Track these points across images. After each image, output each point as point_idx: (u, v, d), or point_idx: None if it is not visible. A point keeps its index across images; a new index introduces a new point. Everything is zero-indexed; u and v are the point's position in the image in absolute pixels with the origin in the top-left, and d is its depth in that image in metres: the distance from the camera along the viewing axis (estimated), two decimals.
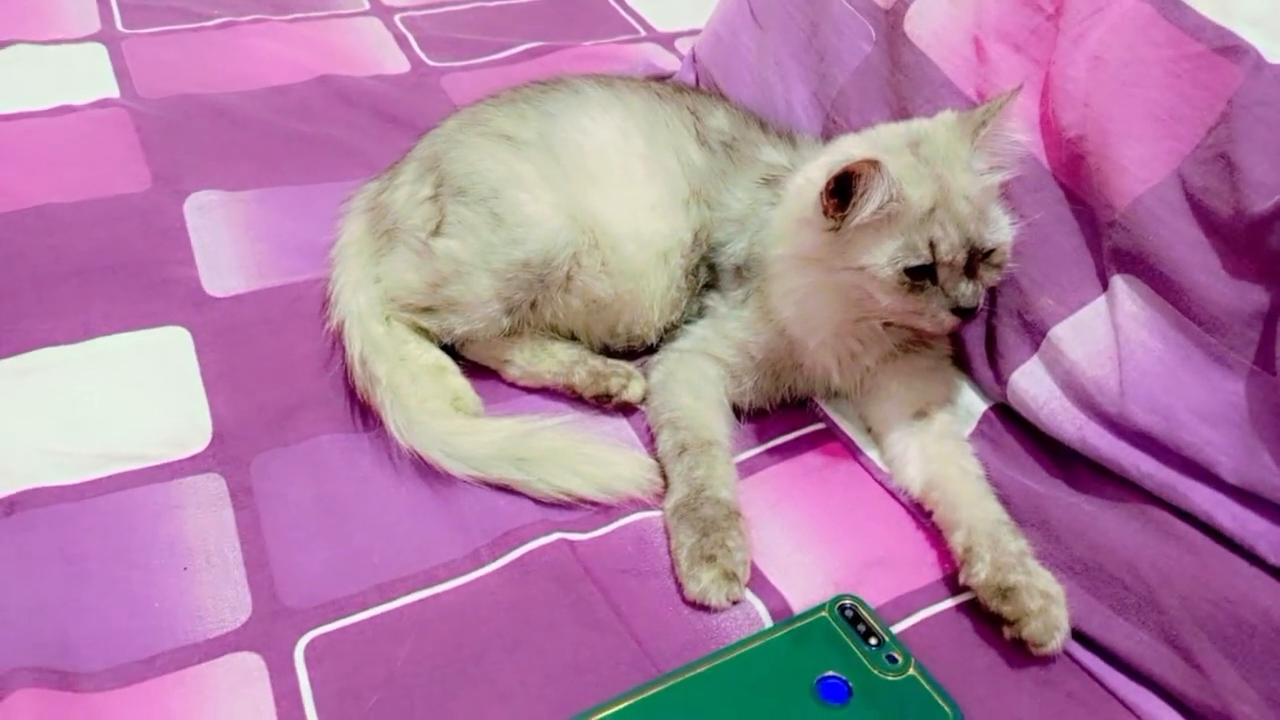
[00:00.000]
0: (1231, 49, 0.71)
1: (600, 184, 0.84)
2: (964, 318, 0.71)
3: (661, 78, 1.16)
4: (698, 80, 1.14)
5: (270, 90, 1.16)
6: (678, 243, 0.84)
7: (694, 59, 1.17)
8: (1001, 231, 0.72)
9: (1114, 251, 0.74)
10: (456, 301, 0.83)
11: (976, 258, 0.70)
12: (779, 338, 0.79)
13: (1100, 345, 0.73)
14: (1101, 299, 0.75)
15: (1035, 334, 0.77)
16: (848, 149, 0.75)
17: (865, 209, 0.67)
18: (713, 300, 0.84)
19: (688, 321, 0.86)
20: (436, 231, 0.84)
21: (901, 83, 0.90)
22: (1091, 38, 0.79)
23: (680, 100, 0.90)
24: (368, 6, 1.36)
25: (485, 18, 1.36)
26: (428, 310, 0.84)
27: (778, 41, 1.03)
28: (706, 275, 0.85)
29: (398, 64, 1.24)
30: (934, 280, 0.69)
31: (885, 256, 0.69)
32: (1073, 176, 0.78)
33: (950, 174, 0.70)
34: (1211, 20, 0.72)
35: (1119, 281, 0.73)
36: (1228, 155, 0.68)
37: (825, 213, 0.69)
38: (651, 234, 0.84)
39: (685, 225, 0.84)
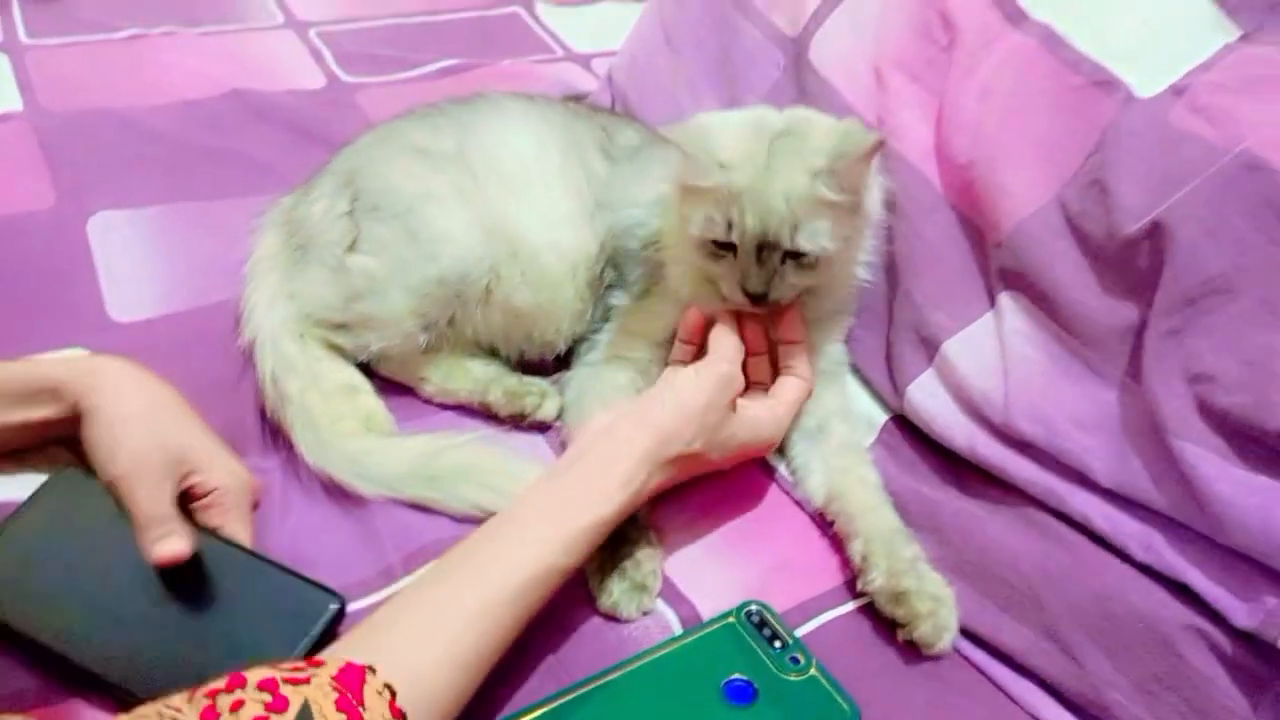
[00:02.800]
0: (1106, 83, 0.76)
1: (518, 194, 0.85)
2: (755, 301, 0.74)
3: (578, 97, 1.19)
4: (613, 102, 1.17)
5: (181, 104, 1.13)
6: (585, 255, 0.86)
7: (610, 80, 1.19)
8: (814, 242, 0.73)
9: (1001, 270, 0.79)
10: (372, 318, 0.83)
11: (773, 251, 0.73)
12: (679, 313, 0.81)
13: (988, 359, 0.78)
14: (990, 315, 0.80)
15: (929, 348, 0.81)
16: (712, 121, 0.78)
17: (691, 173, 0.73)
18: (615, 299, 0.86)
19: (595, 331, 0.87)
20: (352, 248, 0.84)
21: (809, 106, 0.94)
22: (982, 70, 0.83)
23: (594, 119, 0.93)
24: (282, 20, 1.34)
25: (403, 34, 1.36)
26: (342, 327, 0.84)
27: (691, 65, 1.06)
28: (610, 276, 0.86)
29: (313, 79, 1.23)
30: (734, 256, 0.74)
31: (695, 221, 0.74)
32: (964, 200, 0.83)
33: (784, 170, 0.72)
34: (1089, 56, 0.78)
35: (1005, 299, 0.78)
36: (1101, 181, 0.73)
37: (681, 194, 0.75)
38: (567, 245, 0.86)
39: (592, 238, 0.86)
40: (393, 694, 0.52)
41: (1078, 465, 0.70)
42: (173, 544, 0.63)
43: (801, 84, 0.95)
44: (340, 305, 0.84)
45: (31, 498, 0.68)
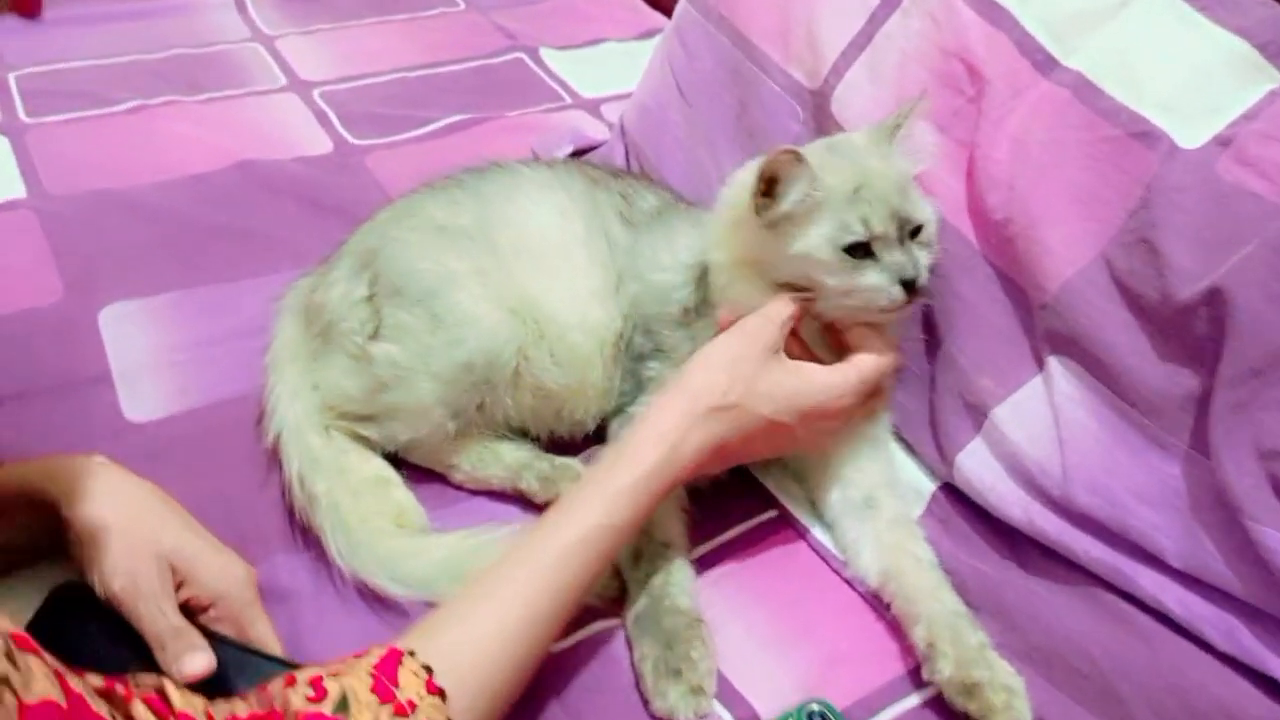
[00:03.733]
0: (1145, 134, 0.73)
1: (543, 269, 0.83)
2: (911, 292, 0.71)
3: (591, 149, 1.17)
4: (627, 154, 1.14)
5: (188, 180, 1.11)
6: (611, 331, 0.83)
7: (622, 130, 1.17)
8: (926, 210, 0.74)
9: (1047, 333, 0.76)
10: (398, 409, 0.81)
11: (906, 230, 0.72)
12: None
13: (1040, 427, 0.75)
14: (1038, 379, 0.77)
15: (977, 415, 0.79)
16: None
17: (789, 196, 0.70)
18: (654, 369, 0.82)
19: (628, 403, 0.84)
20: (374, 335, 0.82)
21: None
22: (1012, 120, 0.80)
23: (613, 186, 0.90)
24: (285, 82, 1.32)
25: (406, 89, 1.34)
26: (368, 419, 0.82)
27: (707, 119, 1.04)
28: (641, 345, 0.83)
29: (320, 144, 1.21)
30: (873, 257, 0.71)
31: (822, 238, 0.71)
32: (1003, 257, 0.80)
33: (867, 161, 0.74)
34: (1125, 105, 0.75)
35: (1054, 362, 0.75)
36: (1150, 240, 0.70)
37: (757, 211, 0.72)
38: (594, 322, 0.83)
39: (617, 313, 0.84)
40: (429, 672, 0.54)
41: (1145, 544, 0.67)
42: (196, 661, 0.61)
43: (823, 135, 0.93)
44: (364, 397, 0.81)
45: (33, 621, 0.64)
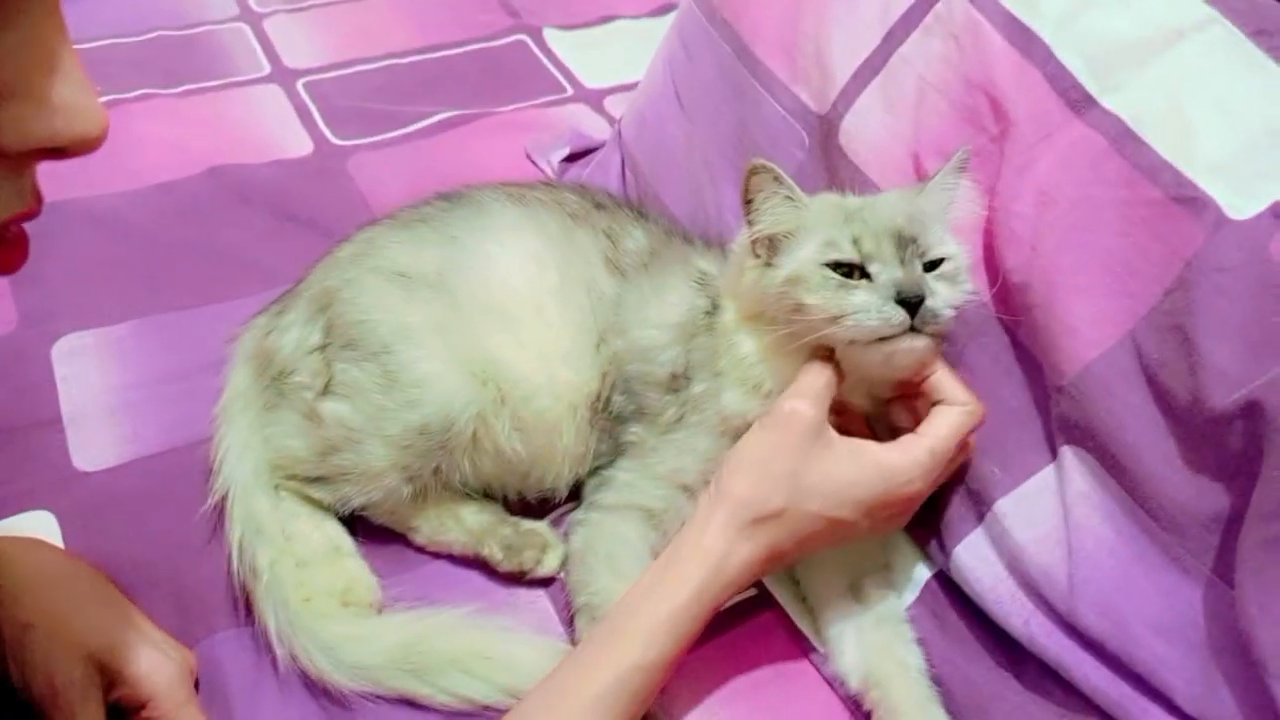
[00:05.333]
0: (1190, 200, 0.63)
1: (509, 326, 0.76)
2: (912, 312, 0.63)
3: (585, 153, 1.08)
4: (623, 165, 1.05)
5: (155, 189, 1.05)
6: (585, 395, 0.76)
7: (619, 139, 1.08)
8: (948, 244, 0.67)
9: (1063, 419, 0.67)
10: (349, 472, 0.75)
11: (912, 254, 0.65)
12: (726, 445, 0.70)
13: (1048, 527, 0.67)
14: (1050, 469, 0.69)
15: (980, 504, 0.71)
16: None
17: (766, 211, 0.67)
18: (635, 433, 0.76)
19: (604, 466, 0.78)
20: (325, 390, 0.76)
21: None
22: (1038, 168, 0.71)
23: (596, 221, 0.82)
24: (268, 71, 1.25)
25: (398, 77, 1.25)
26: (318, 480, 0.76)
27: (705, 136, 0.95)
28: (622, 405, 0.76)
29: (300, 144, 1.14)
30: (868, 278, 0.65)
31: (806, 254, 0.65)
32: (1020, 327, 0.71)
33: (888, 197, 0.70)
34: (1170, 162, 0.64)
35: (1068, 454, 0.67)
36: (1185, 329, 0.61)
37: (754, 252, 0.68)
38: (565, 385, 0.76)
39: (594, 373, 0.77)
40: None
41: (1154, 679, 0.60)
42: None
43: (831, 169, 0.83)
44: (314, 458, 0.76)
45: None
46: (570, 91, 1.25)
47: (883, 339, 0.64)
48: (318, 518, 0.77)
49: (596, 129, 1.17)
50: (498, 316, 0.76)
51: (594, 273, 0.78)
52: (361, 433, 0.74)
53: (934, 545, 0.74)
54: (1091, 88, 0.70)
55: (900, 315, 0.63)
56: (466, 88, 1.23)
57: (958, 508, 0.72)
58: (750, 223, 0.69)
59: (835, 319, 0.63)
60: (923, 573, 0.75)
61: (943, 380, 0.67)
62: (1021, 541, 0.68)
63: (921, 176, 0.78)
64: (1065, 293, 0.67)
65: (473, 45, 1.32)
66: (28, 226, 0.41)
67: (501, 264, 0.77)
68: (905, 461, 0.65)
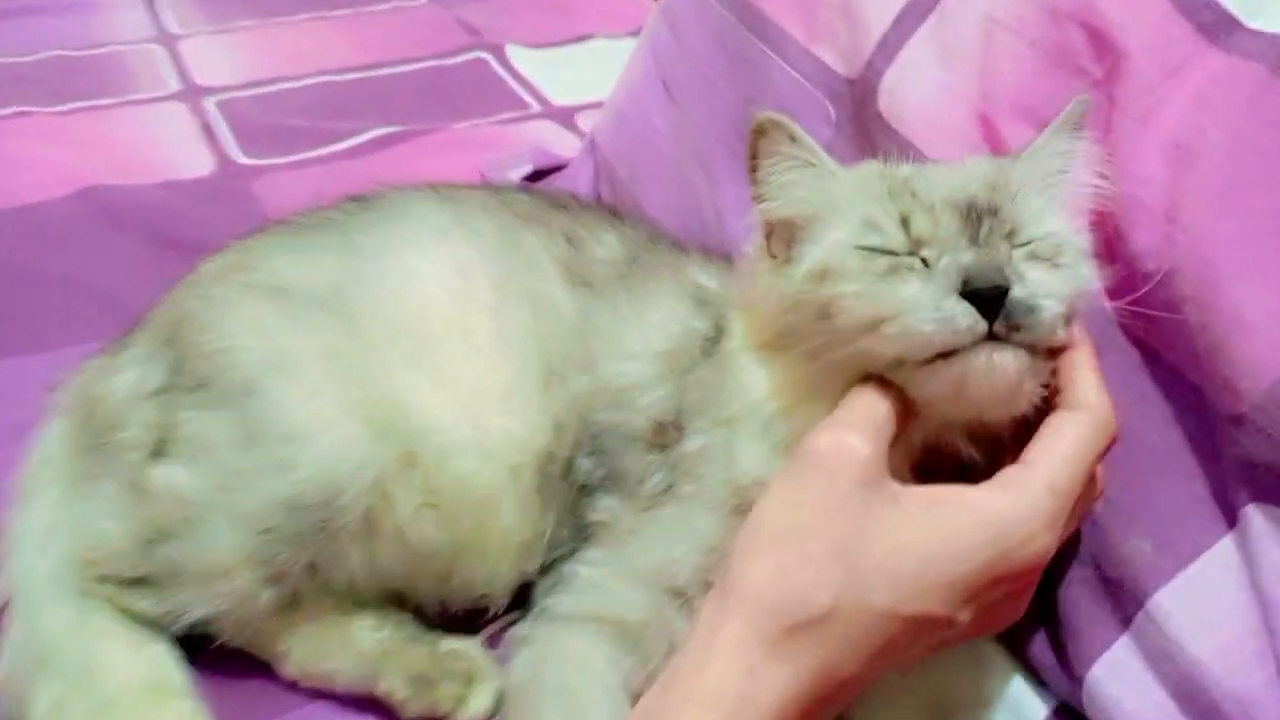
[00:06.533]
0: None
1: (423, 357, 0.55)
2: (991, 311, 0.42)
3: (551, 171, 0.88)
4: (596, 174, 0.85)
5: (19, 211, 0.87)
6: (532, 454, 0.54)
7: (593, 147, 0.88)
8: (1049, 220, 0.47)
9: (1244, 465, 0.46)
10: (184, 569, 0.53)
11: (989, 227, 0.44)
12: (736, 526, 0.47)
13: (1236, 629, 0.46)
14: (1228, 542, 0.47)
15: (1126, 600, 0.49)
16: None
17: (777, 181, 0.48)
18: (606, 510, 0.53)
19: (562, 559, 0.55)
20: (159, 450, 0.54)
21: None
22: (1167, 115, 0.52)
23: (553, 222, 0.61)
24: (175, 89, 1.07)
25: (331, 97, 1.08)
26: (142, 583, 0.54)
27: (701, 124, 0.75)
28: (587, 471, 0.55)
29: (198, 164, 0.96)
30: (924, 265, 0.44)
31: (836, 237, 0.47)
32: (1161, 336, 0.50)
33: (942, 166, 0.51)
34: None
35: (1256, 516, 0.46)
36: None
37: (770, 251, 0.50)
38: (499, 439, 0.54)
39: (543, 421, 0.55)
40: None
41: None
42: None
43: (869, 145, 0.64)
44: (136, 549, 0.54)
45: None
46: (536, 108, 1.08)
47: (947, 354, 0.42)
48: (136, 639, 0.54)
49: (566, 147, 0.99)
50: (409, 344, 0.55)
51: (545, 286, 0.57)
52: (205, 509, 0.52)
53: (1055, 670, 0.51)
54: (1232, 6, 0.52)
55: (969, 315, 0.42)
56: (412, 105, 1.06)
57: (1090, 611, 0.50)
58: (758, 200, 0.49)
59: (874, 323, 0.43)
60: (1037, 709, 0.52)
61: (1076, 368, 0.45)
62: (1194, 650, 0.46)
63: (996, 145, 0.58)
64: (1230, 279, 0.47)
65: (424, 63, 1.16)
66: None
67: (417, 278, 0.57)
68: (1019, 507, 0.42)
